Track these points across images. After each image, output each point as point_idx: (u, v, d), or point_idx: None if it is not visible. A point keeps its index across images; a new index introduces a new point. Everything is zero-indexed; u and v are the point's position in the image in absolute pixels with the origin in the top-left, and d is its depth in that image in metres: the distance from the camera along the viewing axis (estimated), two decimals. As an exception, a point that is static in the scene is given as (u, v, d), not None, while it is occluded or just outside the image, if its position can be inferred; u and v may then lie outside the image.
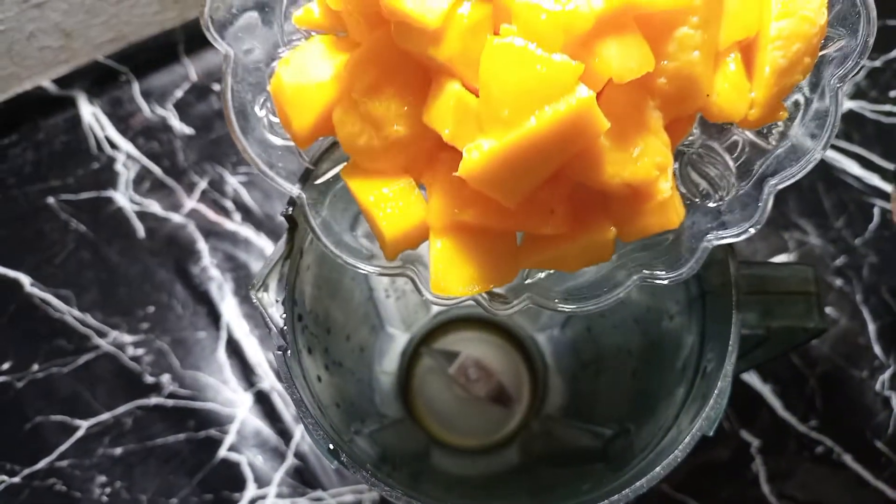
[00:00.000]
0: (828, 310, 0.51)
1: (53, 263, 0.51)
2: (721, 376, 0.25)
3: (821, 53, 0.22)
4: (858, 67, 0.22)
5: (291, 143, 0.24)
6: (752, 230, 0.22)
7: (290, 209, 0.26)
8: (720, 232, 0.22)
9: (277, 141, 0.24)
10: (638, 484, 0.24)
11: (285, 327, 0.25)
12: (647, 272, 0.23)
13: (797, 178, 0.22)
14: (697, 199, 0.24)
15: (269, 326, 0.25)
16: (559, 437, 0.37)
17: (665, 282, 0.22)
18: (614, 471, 0.28)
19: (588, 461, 0.32)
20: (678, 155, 0.24)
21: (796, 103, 0.23)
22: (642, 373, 0.35)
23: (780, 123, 0.23)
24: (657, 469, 0.24)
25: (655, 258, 0.23)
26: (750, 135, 0.23)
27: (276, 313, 0.26)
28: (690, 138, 0.24)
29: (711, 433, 0.24)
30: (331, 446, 0.23)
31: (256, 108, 0.24)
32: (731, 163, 0.23)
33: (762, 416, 0.48)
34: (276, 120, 0.24)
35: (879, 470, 0.47)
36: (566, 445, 0.36)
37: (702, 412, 0.24)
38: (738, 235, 0.22)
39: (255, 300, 0.25)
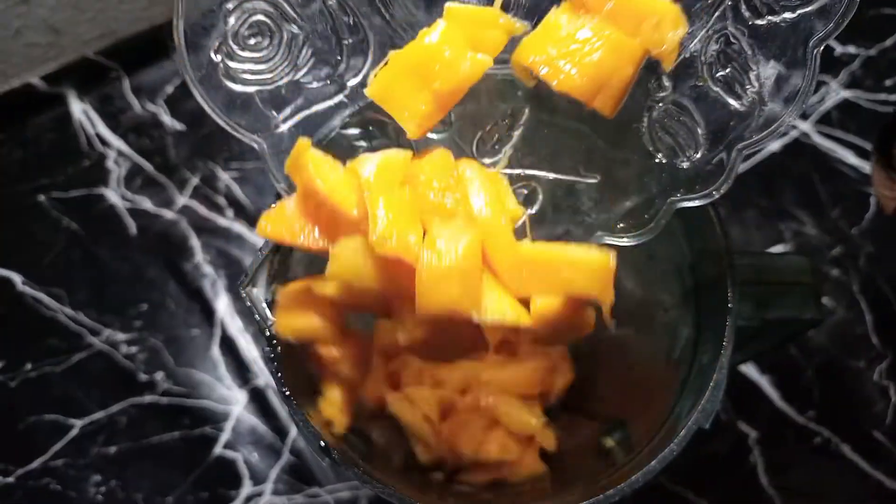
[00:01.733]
0: (825, 300, 0.50)
1: (45, 262, 0.50)
2: (717, 368, 0.24)
3: (801, 11, 0.22)
4: (839, 29, 0.21)
5: (251, 90, 0.25)
6: (717, 194, 0.22)
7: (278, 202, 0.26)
8: (686, 194, 0.22)
9: (236, 87, 0.24)
10: (634, 478, 0.23)
11: (273, 322, 0.25)
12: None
13: (765, 142, 0.22)
14: (664, 158, 0.23)
15: (259, 322, 0.25)
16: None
17: (626, 242, 0.23)
18: (610, 465, 0.28)
19: (583, 455, 0.32)
20: (647, 109, 0.24)
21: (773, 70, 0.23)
22: (637, 365, 0.34)
23: (755, 84, 0.23)
24: (653, 463, 0.23)
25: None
26: (723, 94, 0.23)
27: (265, 309, 0.25)
28: (662, 93, 0.24)
29: (708, 426, 0.24)
30: (321, 443, 0.23)
31: (212, 54, 0.24)
32: (700, 121, 0.23)
33: (760, 408, 0.48)
34: (232, 65, 0.24)
35: (877, 460, 0.46)
36: (560, 439, 0.36)
37: (697, 405, 0.24)
38: (703, 198, 0.22)
39: (244, 296, 0.25)
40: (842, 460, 0.47)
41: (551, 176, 0.26)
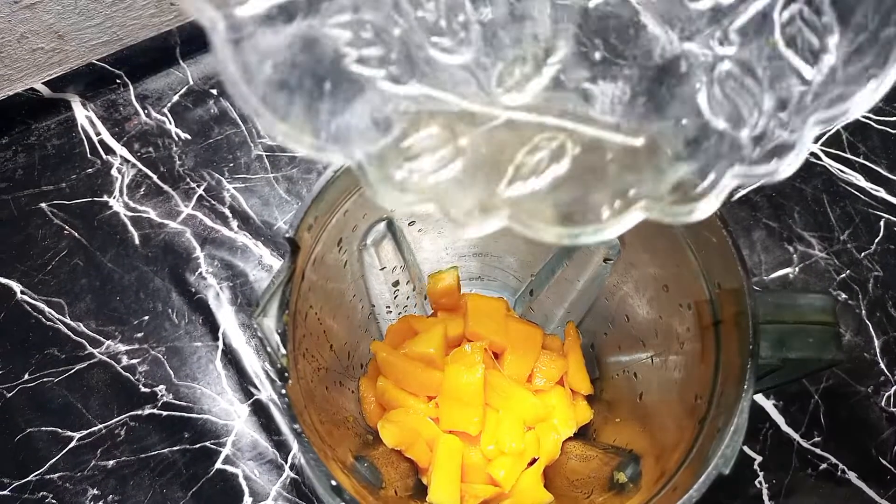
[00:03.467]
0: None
1: (46, 270, 0.50)
2: (737, 413, 0.24)
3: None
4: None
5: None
6: (782, 172, 0.19)
7: (293, 232, 0.25)
8: (747, 167, 0.19)
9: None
10: (651, 526, 0.23)
11: (286, 355, 0.24)
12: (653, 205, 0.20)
13: (839, 120, 0.19)
14: (724, 124, 0.20)
15: (269, 355, 0.24)
16: (567, 460, 0.37)
17: (677, 218, 0.20)
18: (624, 501, 0.28)
19: (595, 488, 0.31)
20: (708, 66, 0.20)
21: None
22: (649, 398, 0.34)
23: (833, 53, 0.20)
24: (672, 509, 0.23)
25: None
26: (796, 59, 0.19)
27: (277, 340, 0.25)
28: (726, 49, 0.21)
29: (727, 471, 0.24)
30: (333, 482, 0.23)
31: None
32: (767, 87, 0.20)
33: (765, 432, 0.47)
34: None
35: (885, 488, 0.46)
36: (575, 469, 0.35)
37: (717, 449, 0.24)
38: (766, 175, 0.19)
39: (255, 327, 0.24)
40: (848, 487, 0.46)
41: (588, 131, 0.22)
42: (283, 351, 0.25)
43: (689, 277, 0.29)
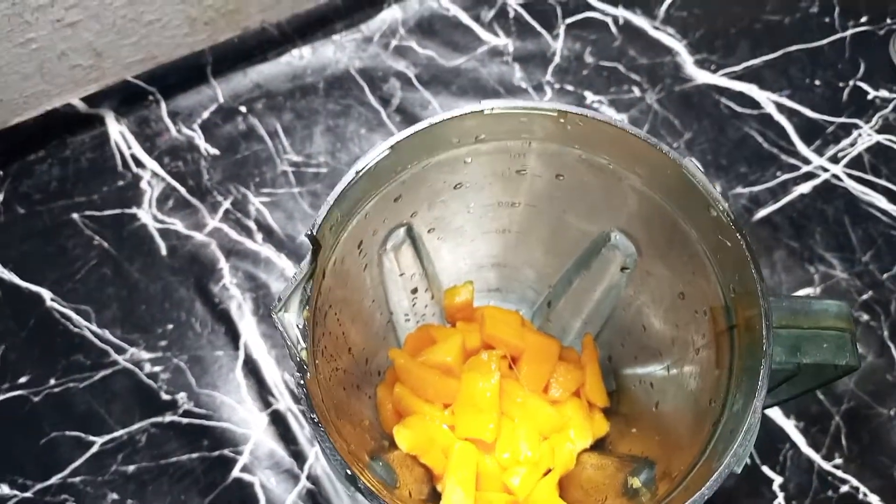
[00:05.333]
0: (854, 346, 0.49)
1: (75, 279, 0.51)
2: (750, 412, 0.24)
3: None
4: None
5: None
6: None
7: (316, 230, 0.26)
8: None
9: None
10: (664, 522, 0.23)
11: (306, 349, 0.25)
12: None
13: None
14: None
15: (289, 348, 0.25)
16: (583, 469, 0.37)
17: None
18: (637, 506, 0.28)
19: (611, 495, 0.31)
20: None
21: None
22: (667, 407, 0.34)
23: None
24: (684, 507, 0.23)
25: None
26: None
27: (298, 335, 0.25)
28: None
29: (739, 470, 0.24)
30: (348, 471, 0.23)
31: None
32: None
33: (785, 453, 0.47)
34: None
35: (907, 512, 0.45)
36: (590, 478, 0.35)
37: (730, 448, 0.24)
38: None
39: (276, 321, 0.25)
40: (870, 511, 0.45)
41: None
42: (302, 344, 0.25)
43: (705, 284, 0.29)
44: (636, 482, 0.30)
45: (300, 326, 0.25)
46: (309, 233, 0.26)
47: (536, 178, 0.33)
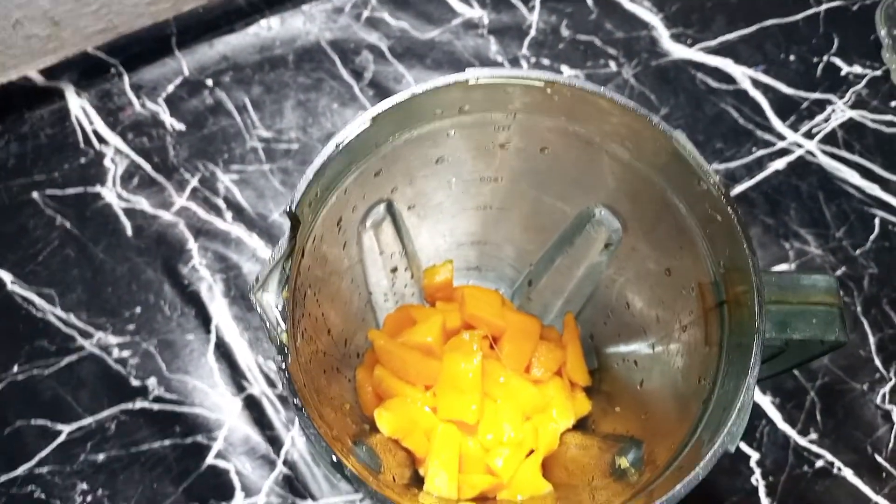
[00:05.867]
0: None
1: (36, 261, 0.49)
2: (744, 390, 0.24)
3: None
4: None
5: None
6: None
7: (294, 206, 0.25)
8: None
9: None
10: (658, 503, 0.22)
11: (286, 331, 0.24)
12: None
13: None
14: None
15: (269, 330, 0.24)
16: (567, 449, 0.36)
17: None
18: (626, 486, 0.27)
19: (598, 475, 0.31)
20: None
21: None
22: (654, 385, 0.33)
23: None
24: (678, 487, 0.22)
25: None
26: None
27: (277, 316, 0.24)
28: None
29: (733, 449, 0.23)
30: (334, 458, 0.22)
31: None
32: None
33: (762, 429, 0.47)
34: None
35: (880, 485, 0.46)
36: (575, 458, 0.35)
37: (723, 427, 0.23)
38: None
39: (254, 302, 0.24)
40: (844, 484, 0.46)
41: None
42: (282, 326, 0.24)
43: (693, 259, 0.29)
44: (624, 462, 0.29)
45: (279, 307, 0.24)
46: (288, 209, 0.25)
47: (520, 151, 0.32)
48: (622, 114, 0.27)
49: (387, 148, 0.29)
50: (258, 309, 0.24)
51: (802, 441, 0.47)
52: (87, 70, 0.54)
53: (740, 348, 0.25)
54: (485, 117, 0.30)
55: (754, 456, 0.46)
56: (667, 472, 0.25)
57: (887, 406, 0.48)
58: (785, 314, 0.26)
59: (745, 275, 0.25)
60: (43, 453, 0.44)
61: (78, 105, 0.53)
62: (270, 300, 0.24)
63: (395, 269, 0.38)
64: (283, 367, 0.23)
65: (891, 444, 0.47)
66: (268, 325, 0.24)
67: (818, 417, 0.48)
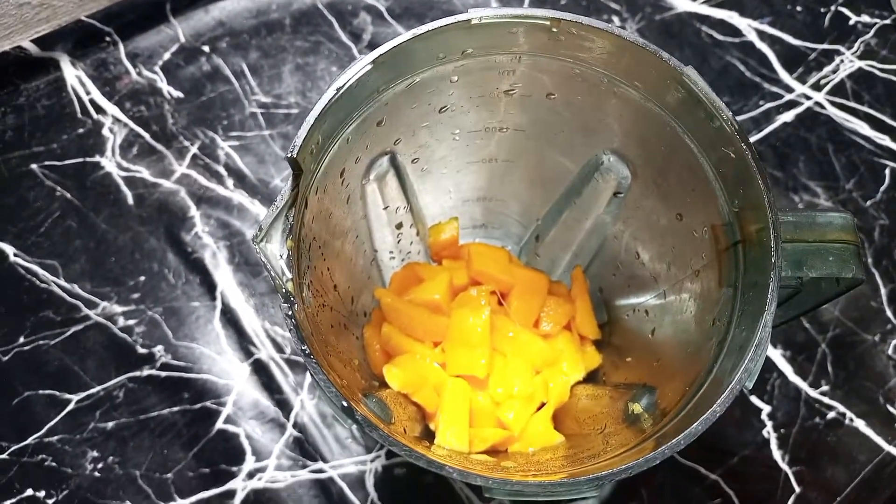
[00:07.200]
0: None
1: (38, 233, 0.49)
2: (761, 326, 0.23)
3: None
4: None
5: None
6: None
7: (295, 151, 0.24)
8: None
9: None
10: (675, 441, 0.22)
11: (291, 279, 0.24)
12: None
13: None
14: None
15: (273, 279, 0.23)
16: (578, 401, 0.36)
17: None
18: (639, 431, 0.27)
19: (611, 422, 0.31)
20: None
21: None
22: (662, 332, 0.33)
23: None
24: (695, 425, 0.22)
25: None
26: None
27: (283, 265, 0.24)
28: None
29: (751, 386, 0.23)
30: (345, 403, 0.22)
31: None
32: None
33: (773, 382, 0.47)
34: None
35: (892, 435, 0.46)
36: (586, 408, 0.35)
37: (740, 365, 0.23)
38: None
39: (257, 251, 0.24)
40: (856, 435, 0.46)
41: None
42: (288, 275, 0.24)
43: (705, 201, 0.28)
44: (637, 407, 0.29)
45: (284, 257, 0.24)
46: (289, 155, 0.24)
47: (526, 98, 0.31)
48: (631, 51, 0.27)
49: (389, 94, 0.28)
50: (262, 259, 0.23)
51: (814, 393, 0.47)
52: (81, 39, 0.53)
53: (756, 287, 0.25)
54: (489, 61, 0.29)
55: (766, 409, 0.46)
56: (682, 412, 0.25)
57: (899, 356, 0.48)
58: (801, 252, 0.26)
59: (760, 212, 0.25)
60: (52, 422, 0.44)
61: (74, 75, 0.53)
62: (275, 250, 0.24)
63: (399, 225, 0.38)
64: (290, 313, 0.23)
65: (903, 394, 0.47)
66: (272, 273, 0.23)
67: (829, 369, 0.47)
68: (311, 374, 0.22)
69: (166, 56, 0.53)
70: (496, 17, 0.26)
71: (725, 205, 0.27)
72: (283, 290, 0.23)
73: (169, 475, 0.44)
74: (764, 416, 0.46)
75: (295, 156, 0.24)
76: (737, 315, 0.26)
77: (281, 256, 0.24)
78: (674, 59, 0.26)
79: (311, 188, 0.27)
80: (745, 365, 0.23)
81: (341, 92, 0.25)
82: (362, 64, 0.26)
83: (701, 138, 0.27)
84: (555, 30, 0.27)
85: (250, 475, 0.44)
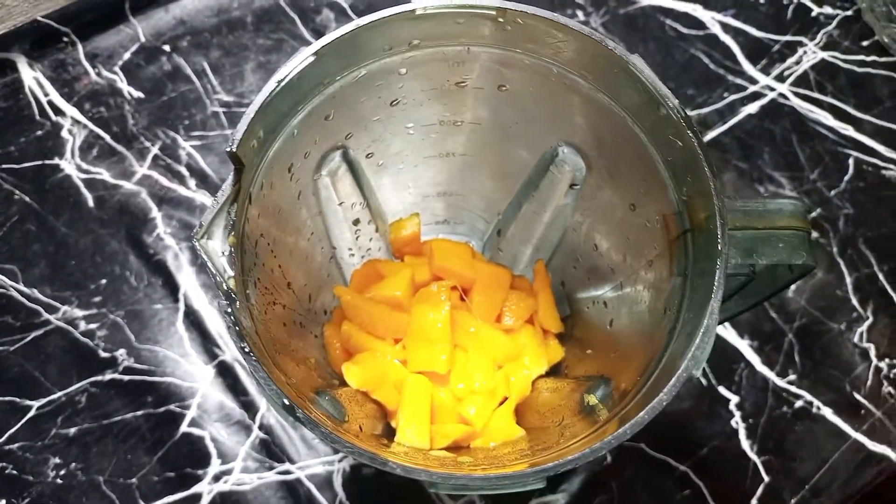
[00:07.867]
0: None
1: (-4, 237, 0.48)
2: (707, 313, 0.23)
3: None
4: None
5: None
6: None
7: (235, 146, 0.24)
8: None
9: None
10: (622, 430, 0.22)
11: (234, 277, 0.23)
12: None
13: None
14: None
15: (214, 276, 0.23)
16: (539, 394, 0.36)
17: None
18: (594, 422, 0.27)
19: (568, 414, 0.30)
20: None
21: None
22: (620, 322, 0.33)
23: None
24: (641, 414, 0.22)
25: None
26: None
27: (224, 263, 0.23)
28: None
29: (698, 373, 0.23)
30: (286, 401, 0.21)
31: None
32: None
33: (740, 373, 0.47)
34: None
35: (859, 422, 0.46)
36: (546, 401, 0.34)
37: (687, 351, 0.23)
38: None
39: (198, 248, 0.23)
40: (823, 423, 0.46)
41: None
42: (229, 273, 0.23)
43: (657, 190, 0.28)
44: (592, 399, 0.29)
45: (225, 254, 0.23)
46: (228, 149, 0.24)
47: (478, 90, 0.31)
48: (578, 41, 0.26)
49: (335, 87, 0.28)
50: (202, 256, 0.23)
51: (781, 382, 0.47)
52: (38, 40, 0.52)
53: (704, 275, 0.25)
54: (437, 53, 0.29)
55: (734, 399, 0.46)
56: (633, 401, 0.25)
57: (865, 344, 0.48)
58: (751, 240, 0.25)
59: (707, 200, 0.24)
60: (13, 430, 0.44)
61: (31, 76, 0.52)
62: (216, 247, 0.24)
63: (357, 222, 0.37)
64: (229, 311, 0.22)
65: (869, 382, 0.47)
66: (213, 271, 0.23)
67: (796, 358, 0.47)
68: (251, 372, 0.22)
69: (126, 56, 0.53)
70: (441, 7, 0.26)
71: (675, 194, 0.27)
72: (225, 287, 0.23)
73: (133, 480, 0.43)
74: (732, 407, 0.46)
75: (235, 150, 0.24)
76: (686, 302, 0.25)
77: (223, 253, 0.24)
78: (620, 48, 0.26)
79: (256, 183, 0.26)
80: (693, 353, 0.23)
81: (282, 84, 0.25)
82: (304, 55, 0.25)
83: (649, 127, 0.27)
84: (501, 20, 0.26)
85: (216, 478, 0.43)
